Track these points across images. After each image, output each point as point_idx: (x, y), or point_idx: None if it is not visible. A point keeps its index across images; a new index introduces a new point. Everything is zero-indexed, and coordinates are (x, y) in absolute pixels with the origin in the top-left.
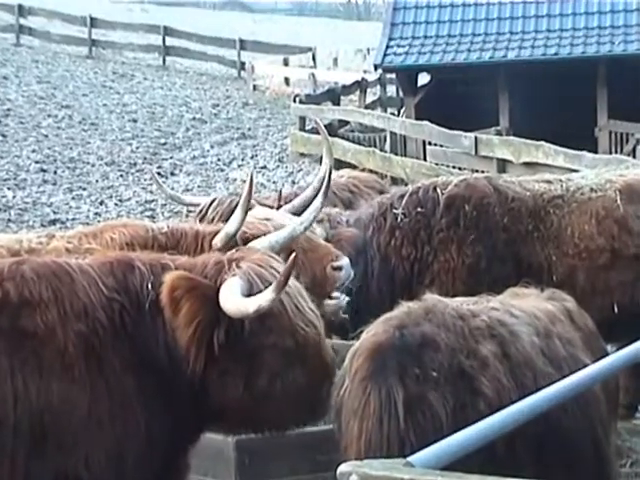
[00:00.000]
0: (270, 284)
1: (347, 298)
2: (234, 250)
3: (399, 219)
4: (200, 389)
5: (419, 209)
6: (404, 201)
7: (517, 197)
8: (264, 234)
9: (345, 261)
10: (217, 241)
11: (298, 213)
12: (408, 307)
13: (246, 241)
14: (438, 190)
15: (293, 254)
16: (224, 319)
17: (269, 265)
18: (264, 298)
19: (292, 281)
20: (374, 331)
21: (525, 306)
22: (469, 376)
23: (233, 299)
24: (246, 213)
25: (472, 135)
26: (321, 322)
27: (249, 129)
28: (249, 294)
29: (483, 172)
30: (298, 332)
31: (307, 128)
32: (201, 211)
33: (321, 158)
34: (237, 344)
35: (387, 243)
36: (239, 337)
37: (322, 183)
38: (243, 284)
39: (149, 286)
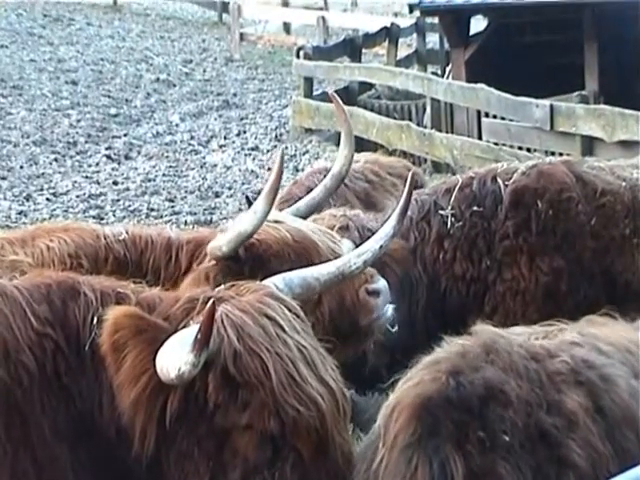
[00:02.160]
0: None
1: (392, 308)
2: (228, 285)
3: (448, 224)
4: (156, 475)
5: (475, 208)
6: (453, 198)
7: (609, 190)
8: (276, 242)
9: (382, 283)
10: (221, 244)
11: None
12: (460, 345)
13: (250, 250)
14: (499, 181)
15: (210, 301)
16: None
17: (261, 312)
18: (182, 361)
19: (295, 337)
20: (417, 379)
21: (613, 338)
22: (553, 440)
23: (165, 356)
24: (271, 206)
25: (546, 103)
26: (339, 400)
27: (234, 95)
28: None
29: (562, 155)
30: (285, 412)
31: (315, 93)
32: None
33: (334, 136)
34: (201, 419)
35: (434, 259)
36: (203, 410)
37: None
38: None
39: (94, 321)
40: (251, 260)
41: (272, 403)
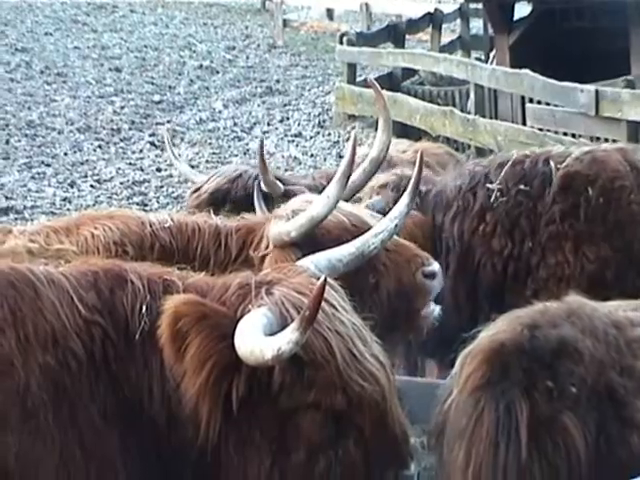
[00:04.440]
0: (318, 323)
1: (438, 307)
2: (269, 269)
3: (493, 197)
4: (211, 463)
5: (522, 187)
6: (503, 172)
7: None
8: (335, 227)
9: (437, 266)
10: (290, 229)
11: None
12: (544, 304)
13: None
14: (552, 164)
15: (322, 277)
16: (246, 365)
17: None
18: (285, 340)
19: (348, 316)
20: (496, 329)
21: None
22: (620, 399)
23: (247, 340)
24: (343, 190)
25: (592, 88)
26: (389, 375)
27: (277, 81)
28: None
29: (608, 141)
30: (351, 388)
31: (358, 80)
32: (197, 190)
33: (377, 122)
34: (263, 402)
35: (473, 230)
36: (266, 392)
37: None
38: (271, 319)
39: (143, 309)
40: (313, 244)
41: (338, 380)
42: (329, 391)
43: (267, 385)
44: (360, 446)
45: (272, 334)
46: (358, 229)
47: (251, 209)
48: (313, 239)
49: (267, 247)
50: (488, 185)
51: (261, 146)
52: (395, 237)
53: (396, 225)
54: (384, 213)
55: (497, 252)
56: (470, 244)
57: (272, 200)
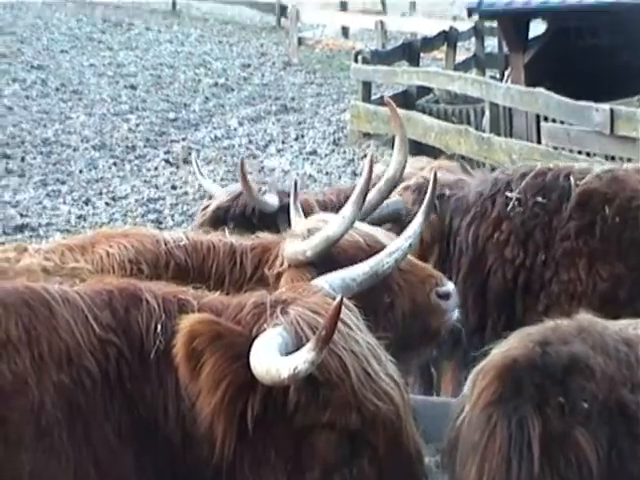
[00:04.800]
0: (333, 342)
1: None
2: (284, 289)
3: (510, 206)
4: None
5: (539, 199)
6: (524, 183)
7: None
8: (351, 246)
9: (451, 286)
10: (306, 249)
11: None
12: (555, 322)
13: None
14: (572, 179)
15: (339, 296)
16: (261, 385)
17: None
18: (301, 359)
19: (363, 335)
20: (508, 346)
21: None
22: (632, 415)
23: (263, 359)
24: (360, 211)
25: (607, 107)
26: (404, 394)
27: (292, 99)
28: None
29: (623, 160)
30: (366, 407)
31: (373, 98)
32: (205, 208)
33: (392, 140)
34: (278, 421)
35: (488, 236)
36: (281, 412)
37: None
38: (287, 338)
39: (158, 328)
40: (328, 264)
41: (353, 399)
42: (344, 411)
43: (282, 405)
44: (374, 465)
45: (288, 354)
46: (372, 248)
47: (250, 226)
48: (328, 258)
49: (282, 265)
50: (507, 193)
51: (242, 164)
52: (410, 258)
53: (410, 245)
54: (399, 214)
55: (509, 260)
56: (483, 250)
57: (276, 216)
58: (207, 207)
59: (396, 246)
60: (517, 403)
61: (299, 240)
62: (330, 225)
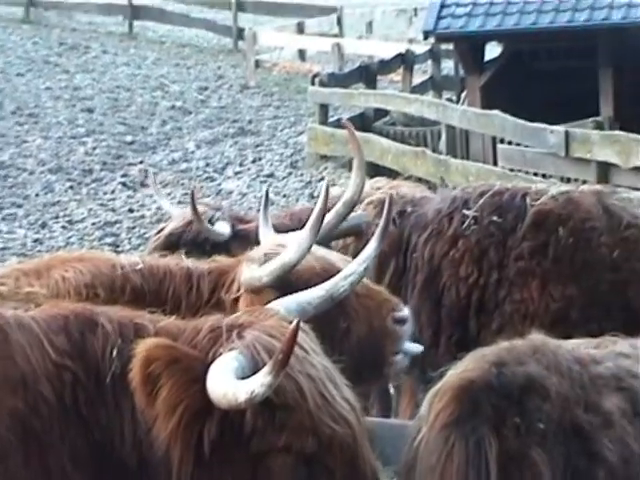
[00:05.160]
0: (289, 366)
1: (407, 359)
2: (240, 312)
3: (466, 224)
4: None
5: (495, 218)
6: (481, 201)
7: (634, 223)
8: (306, 271)
9: (407, 311)
10: (262, 275)
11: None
12: (509, 342)
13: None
14: (528, 200)
15: (296, 319)
16: (217, 409)
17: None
18: (258, 383)
19: (319, 359)
20: (463, 367)
21: None
22: (586, 435)
23: (220, 383)
24: (316, 238)
25: (561, 129)
26: (360, 417)
27: (250, 122)
28: (253, 376)
29: (578, 181)
30: (322, 431)
31: (331, 120)
32: (159, 232)
33: (350, 162)
34: (235, 445)
35: (444, 254)
36: (238, 436)
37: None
38: (243, 362)
39: (114, 353)
40: (284, 288)
41: (309, 423)
42: (300, 434)
43: (239, 428)
44: None
45: (244, 377)
46: (328, 272)
47: (203, 252)
48: (285, 283)
49: (239, 290)
50: (464, 211)
51: (192, 195)
52: (366, 282)
53: (365, 268)
54: (360, 229)
55: (463, 278)
56: (439, 267)
57: (228, 243)
58: (161, 230)
59: (351, 270)
60: (474, 424)
61: (256, 265)
62: (287, 251)
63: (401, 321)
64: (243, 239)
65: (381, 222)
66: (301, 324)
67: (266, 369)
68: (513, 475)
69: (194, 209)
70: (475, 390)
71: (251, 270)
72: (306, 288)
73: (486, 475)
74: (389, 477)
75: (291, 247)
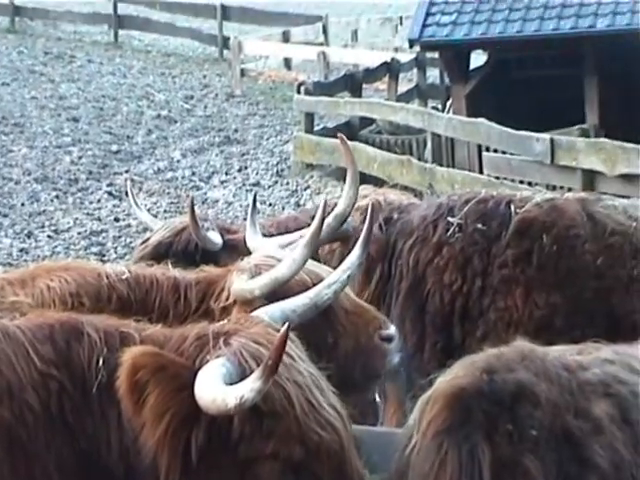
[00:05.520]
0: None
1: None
2: (225, 320)
3: (450, 232)
4: None
5: (480, 226)
6: (466, 209)
7: (619, 230)
8: (297, 284)
9: (394, 329)
10: (254, 288)
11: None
12: (497, 350)
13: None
14: (512, 207)
15: (285, 325)
16: (205, 416)
17: (272, 343)
18: (248, 388)
19: (305, 366)
20: (453, 374)
21: None
22: (577, 441)
23: (209, 389)
24: (310, 254)
25: (547, 137)
26: (347, 424)
27: (235, 131)
28: (240, 382)
29: (564, 189)
30: (310, 438)
31: (316, 129)
32: (145, 242)
33: (336, 171)
34: (223, 453)
35: (428, 261)
36: (225, 443)
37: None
38: (230, 368)
39: (100, 362)
40: (275, 301)
41: (296, 430)
42: (288, 441)
43: (226, 435)
44: None
45: (232, 384)
46: None
47: (192, 263)
48: (277, 296)
49: (228, 299)
50: (449, 219)
51: (191, 204)
52: (355, 299)
53: (348, 276)
54: (348, 234)
55: (447, 285)
56: (423, 274)
57: (218, 253)
58: (146, 241)
59: (335, 278)
60: (467, 431)
61: (246, 275)
62: (280, 267)
63: (387, 339)
64: (232, 250)
65: (364, 229)
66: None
67: (255, 374)
68: None
69: (193, 217)
70: (467, 397)
71: (242, 281)
72: None
73: None
74: None
75: (285, 262)
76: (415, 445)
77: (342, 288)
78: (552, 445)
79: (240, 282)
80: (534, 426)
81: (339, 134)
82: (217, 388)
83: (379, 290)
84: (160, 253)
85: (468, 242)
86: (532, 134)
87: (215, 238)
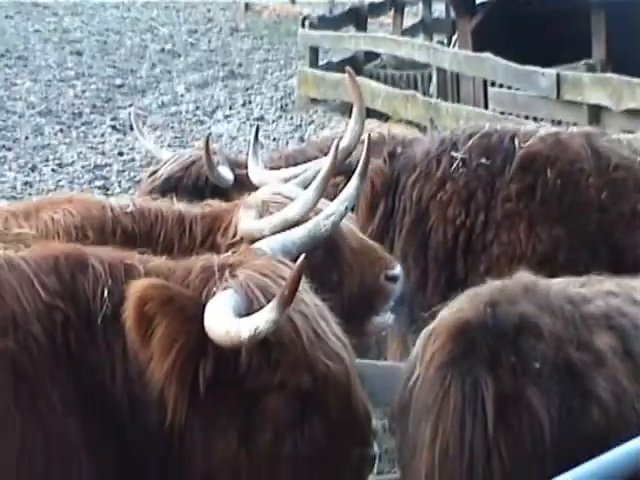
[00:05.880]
0: None
1: (392, 316)
2: (229, 252)
3: (454, 166)
4: (176, 447)
5: (483, 160)
6: (470, 143)
7: (623, 164)
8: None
9: (400, 269)
10: (263, 228)
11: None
12: (500, 282)
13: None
14: (517, 141)
15: (302, 256)
16: (212, 348)
17: (278, 275)
18: (262, 319)
19: (310, 297)
20: (457, 307)
21: None
22: (580, 373)
23: (221, 321)
24: (322, 195)
25: (553, 72)
26: (351, 354)
27: (240, 65)
28: (247, 314)
29: (569, 124)
30: (317, 368)
31: (321, 63)
32: (153, 174)
33: (340, 106)
34: (230, 384)
35: (431, 196)
36: (233, 374)
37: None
38: (239, 300)
39: (105, 293)
40: None
41: (303, 360)
42: (295, 372)
43: (234, 367)
44: (325, 425)
45: (241, 316)
46: None
47: (201, 198)
48: None
49: (234, 236)
50: (452, 153)
51: (207, 141)
52: (362, 237)
53: (346, 207)
54: (351, 168)
55: (450, 220)
56: (426, 209)
57: (225, 190)
58: (155, 173)
59: (332, 209)
60: (470, 364)
61: (254, 212)
62: (291, 206)
63: (392, 279)
64: (242, 185)
65: (361, 160)
66: (290, 263)
67: (272, 305)
68: (510, 415)
69: (208, 155)
70: (470, 330)
71: (251, 221)
72: None
73: (482, 415)
74: (379, 418)
75: (297, 202)
76: (418, 378)
77: (340, 219)
78: (555, 377)
79: (248, 220)
80: (537, 358)
81: (347, 68)
82: (229, 320)
83: (382, 225)
84: (169, 187)
85: (472, 176)
86: (538, 69)
87: (227, 174)
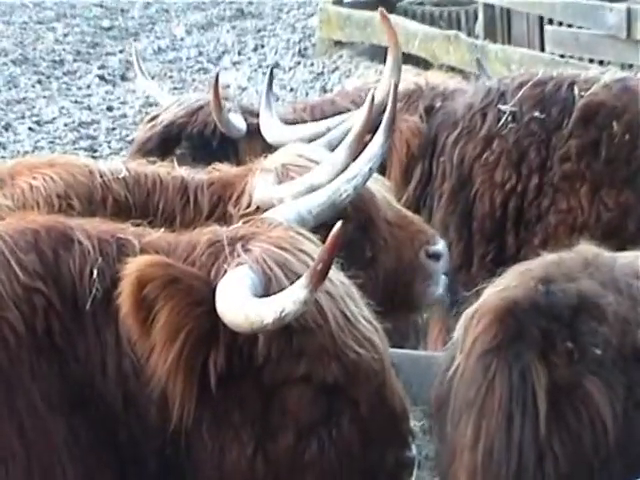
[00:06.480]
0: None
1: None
2: (239, 223)
3: (502, 121)
4: (180, 450)
5: (537, 113)
6: (520, 94)
7: None
8: None
9: (443, 245)
10: (284, 195)
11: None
12: (557, 255)
13: None
14: (576, 90)
15: (339, 223)
16: (225, 334)
17: (297, 248)
18: (289, 300)
19: (337, 275)
20: (504, 285)
21: None
22: None
23: (238, 303)
24: (352, 159)
25: (622, 7)
26: (384, 341)
27: (250, 3)
28: (266, 295)
29: None
30: (347, 356)
31: (346, 0)
32: (152, 119)
33: (369, 49)
34: (244, 377)
35: (476, 156)
36: (248, 365)
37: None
38: (255, 279)
39: (94, 274)
40: None
41: (331, 347)
42: (321, 360)
43: (249, 357)
44: (356, 424)
45: (259, 297)
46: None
47: (207, 149)
48: None
49: (249, 205)
50: (500, 107)
51: (216, 81)
52: (400, 208)
53: (370, 169)
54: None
55: (498, 185)
56: (470, 172)
57: (238, 141)
58: (154, 118)
59: (355, 171)
60: (519, 350)
61: (272, 178)
62: (317, 172)
63: (435, 256)
64: (254, 136)
65: (386, 114)
66: (311, 236)
67: (301, 282)
68: (565, 408)
69: (216, 97)
70: (519, 311)
71: (269, 188)
72: None
73: (533, 409)
74: (417, 419)
75: (323, 167)
76: (458, 367)
77: (364, 183)
78: (620, 366)
79: (266, 187)
80: (598, 344)
81: (380, 8)
82: (248, 302)
83: (419, 192)
84: (171, 135)
85: (523, 133)
86: (604, 3)
87: (238, 123)
